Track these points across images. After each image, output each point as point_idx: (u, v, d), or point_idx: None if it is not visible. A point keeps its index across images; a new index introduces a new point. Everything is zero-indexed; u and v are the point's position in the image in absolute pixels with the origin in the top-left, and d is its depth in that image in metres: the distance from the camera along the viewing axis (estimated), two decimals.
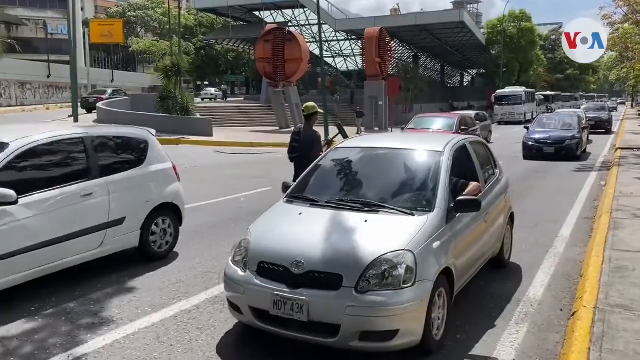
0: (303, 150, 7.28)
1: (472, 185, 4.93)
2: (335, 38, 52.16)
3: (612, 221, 7.86)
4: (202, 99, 50.95)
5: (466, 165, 5.30)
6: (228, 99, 51.79)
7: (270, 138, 24.62)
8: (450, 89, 69.49)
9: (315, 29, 49.69)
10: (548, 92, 59.36)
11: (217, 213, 9.35)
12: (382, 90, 34.32)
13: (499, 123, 42.23)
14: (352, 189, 4.97)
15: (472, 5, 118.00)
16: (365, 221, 4.21)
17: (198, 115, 30.68)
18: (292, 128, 32.51)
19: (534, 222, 8.67)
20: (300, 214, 4.56)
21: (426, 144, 5.32)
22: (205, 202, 10.15)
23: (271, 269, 4.04)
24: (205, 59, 74.43)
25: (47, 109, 40.16)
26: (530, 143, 18.07)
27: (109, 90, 37.24)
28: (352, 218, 4.30)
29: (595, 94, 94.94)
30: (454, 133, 13.99)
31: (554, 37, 74.66)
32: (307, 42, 43.75)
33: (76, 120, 23.13)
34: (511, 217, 6.41)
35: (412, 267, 3.82)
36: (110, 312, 4.91)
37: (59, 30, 59.61)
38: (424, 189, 4.70)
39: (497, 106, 43.78)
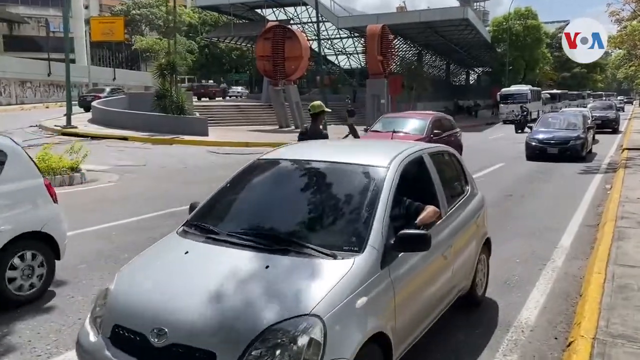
0: None
1: (428, 210, 3.77)
2: (338, 36, 51.54)
3: (617, 230, 7.27)
4: (230, 97, 52.96)
5: (423, 184, 4.22)
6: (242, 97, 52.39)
7: (268, 138, 24.08)
8: (456, 87, 68.72)
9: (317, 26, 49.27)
10: (554, 91, 58.53)
11: None
12: (384, 88, 33.76)
13: (504, 122, 41.66)
14: (264, 217, 3.76)
15: (478, 3, 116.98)
16: (267, 267, 3.05)
17: (197, 114, 30.33)
18: (292, 127, 32.22)
19: (532, 229, 8.11)
20: (186, 253, 3.36)
21: (370, 156, 4.13)
22: (186, 207, 9.58)
23: (126, 336, 2.94)
24: (209, 58, 74.18)
25: (47, 107, 39.85)
26: (534, 143, 17.48)
27: (107, 89, 36.79)
28: (251, 262, 3.14)
29: (603, 93, 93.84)
30: (424, 137, 12.41)
31: (560, 34, 73.69)
32: (310, 39, 43.26)
33: (69, 119, 22.68)
34: (486, 244, 5.28)
35: (319, 341, 2.67)
36: (47, 339, 4.39)
37: (61, 28, 59.17)
38: (355, 219, 3.49)
39: (502, 105, 43.21)
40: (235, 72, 79.42)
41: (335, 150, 4.75)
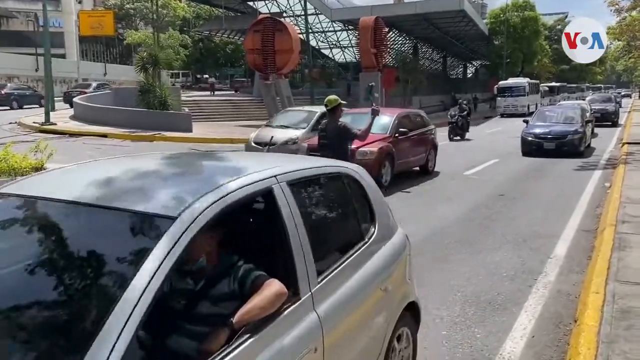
0: (332, 145, 6.83)
1: (263, 294, 2.10)
2: (332, 28, 50.63)
3: (617, 237, 6.49)
4: None
5: (267, 239, 2.48)
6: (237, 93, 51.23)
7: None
8: (453, 81, 67.76)
9: (311, 19, 48.37)
10: (553, 83, 57.69)
11: None
12: (377, 82, 32.89)
13: (502, 115, 41.04)
14: None
15: None
16: None
17: (187, 110, 29.54)
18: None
19: (524, 235, 7.33)
20: None
21: (160, 191, 2.23)
22: None
23: None
24: (203, 52, 73.27)
25: None
26: (530, 138, 16.68)
27: (94, 84, 35.91)
28: None
29: (602, 85, 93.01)
30: (387, 137, 11.00)
31: (559, 27, 72.82)
32: (303, 32, 42.37)
33: (48, 116, 21.83)
34: (411, 310, 3.36)
35: None
36: None
37: (51, 23, 58.24)
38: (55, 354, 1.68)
39: (499, 98, 42.44)
40: (231, 67, 78.63)
41: (121, 175, 2.47)
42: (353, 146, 7.50)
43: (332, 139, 6.92)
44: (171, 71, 65.25)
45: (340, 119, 7.40)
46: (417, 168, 12.62)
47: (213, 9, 61.43)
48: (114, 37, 69.00)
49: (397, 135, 11.22)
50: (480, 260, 6.23)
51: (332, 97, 7.22)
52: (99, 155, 15.85)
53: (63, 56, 60.27)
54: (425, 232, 7.38)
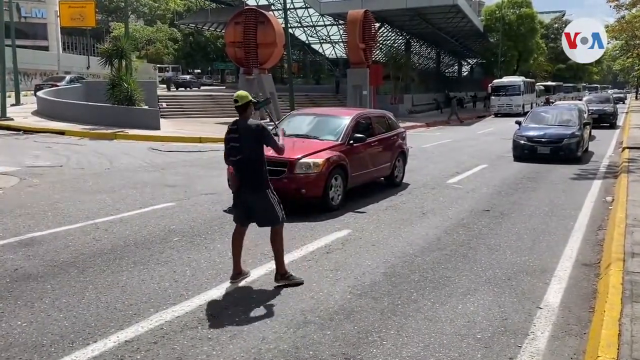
0: (246, 149, 5.43)
1: None
2: (322, 23, 49.01)
3: (627, 280, 5.02)
4: None
5: None
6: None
7: None
8: (448, 79, 66.31)
9: (300, 12, 46.85)
10: (549, 83, 56.36)
11: (59, 250, 6.48)
12: (366, 78, 31.42)
13: (496, 115, 39.77)
14: None
15: None
16: None
17: (164, 105, 28.06)
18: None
19: (508, 271, 5.85)
20: None
21: None
22: (55, 230, 7.28)
23: None
24: (193, 46, 71.62)
25: (9, 96, 37.21)
26: (522, 142, 15.24)
27: (67, 77, 34.18)
28: None
29: (598, 85, 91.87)
30: (338, 144, 9.05)
31: (556, 25, 71.62)
32: (292, 27, 40.81)
33: (4, 110, 20.26)
34: None
35: None
36: None
37: (33, 14, 56.66)
38: None
39: (493, 97, 41.11)
40: (222, 61, 77.11)
41: None
42: (297, 156, 5.93)
43: (246, 142, 5.42)
44: (159, 65, 63.67)
45: (251, 119, 5.84)
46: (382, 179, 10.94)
47: (203, 1, 59.86)
48: (102, 30, 67.46)
49: (351, 142, 9.26)
50: (449, 312, 4.74)
51: (242, 92, 5.70)
52: (48, 154, 14.33)
53: (46, 48, 58.65)
54: (385, 267, 5.90)
